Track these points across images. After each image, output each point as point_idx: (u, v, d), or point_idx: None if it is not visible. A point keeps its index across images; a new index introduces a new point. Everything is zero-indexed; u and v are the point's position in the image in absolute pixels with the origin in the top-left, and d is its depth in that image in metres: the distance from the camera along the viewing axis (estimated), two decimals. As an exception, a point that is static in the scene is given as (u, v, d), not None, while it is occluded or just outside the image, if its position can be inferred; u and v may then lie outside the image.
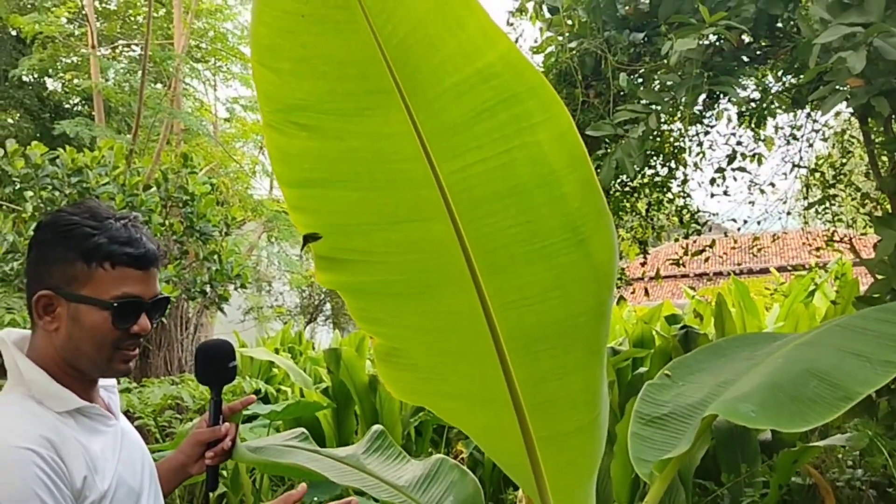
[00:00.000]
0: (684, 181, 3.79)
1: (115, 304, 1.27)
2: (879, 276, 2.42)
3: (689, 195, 3.82)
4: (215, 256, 6.06)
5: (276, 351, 6.57)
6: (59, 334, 1.30)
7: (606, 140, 2.91)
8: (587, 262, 1.32)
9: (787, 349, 1.79)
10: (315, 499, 3.53)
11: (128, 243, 1.29)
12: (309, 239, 1.31)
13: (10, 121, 11.08)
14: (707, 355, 2.00)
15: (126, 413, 4.97)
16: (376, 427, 2.01)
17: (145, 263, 1.30)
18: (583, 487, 1.64)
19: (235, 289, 6.58)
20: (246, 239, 9.98)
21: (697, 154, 3.74)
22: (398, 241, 1.33)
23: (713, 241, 3.71)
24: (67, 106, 11.26)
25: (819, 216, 3.54)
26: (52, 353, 1.31)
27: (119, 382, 1.54)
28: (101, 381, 1.47)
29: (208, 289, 6.14)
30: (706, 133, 3.45)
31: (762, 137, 3.61)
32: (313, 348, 7.52)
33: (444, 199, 1.24)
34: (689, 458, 2.99)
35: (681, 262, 3.58)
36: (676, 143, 3.65)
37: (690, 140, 3.52)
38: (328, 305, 14.78)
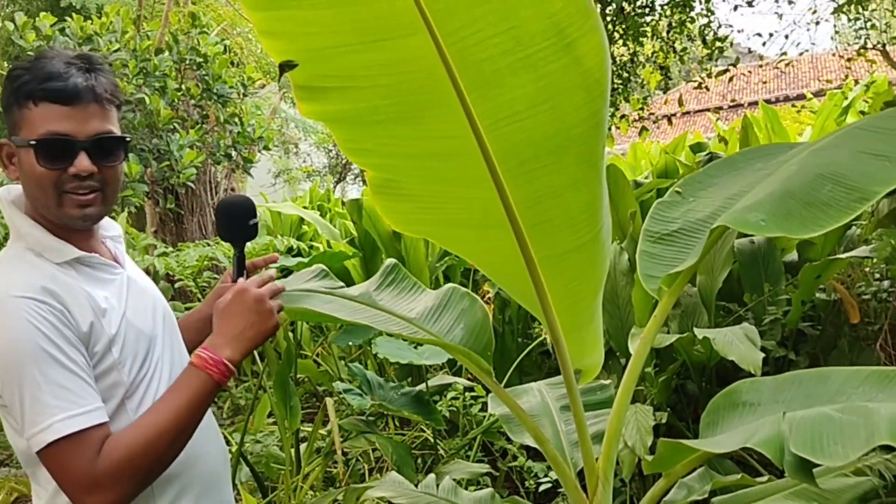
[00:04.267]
0: (707, -1, 3.56)
1: (34, 142, 1.23)
2: (910, 79, 2.29)
3: (712, 12, 3.60)
4: (236, 119, 6.04)
5: (305, 209, 6.63)
6: (21, 183, 1.30)
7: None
8: (576, 69, 1.24)
9: (802, 156, 1.71)
10: (350, 343, 3.66)
11: (49, 78, 1.22)
12: (285, 67, 1.25)
13: (16, -6, 10.81)
14: (720, 170, 1.94)
15: (167, 276, 5.15)
16: (389, 261, 2.02)
17: (68, 98, 1.23)
18: (588, 305, 1.65)
19: (259, 151, 6.59)
20: (266, 101, 9.86)
21: (721, -34, 3.49)
22: (378, 62, 1.26)
23: (737, 58, 3.52)
24: (72, -26, 10.91)
25: (850, 23, 3.31)
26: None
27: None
28: (105, 232, 1.48)
29: (233, 152, 6.15)
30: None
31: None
32: (342, 205, 7.57)
33: (420, 8, 1.16)
34: (711, 281, 3.00)
35: (704, 84, 3.42)
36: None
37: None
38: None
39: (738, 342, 2.24)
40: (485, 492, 2.16)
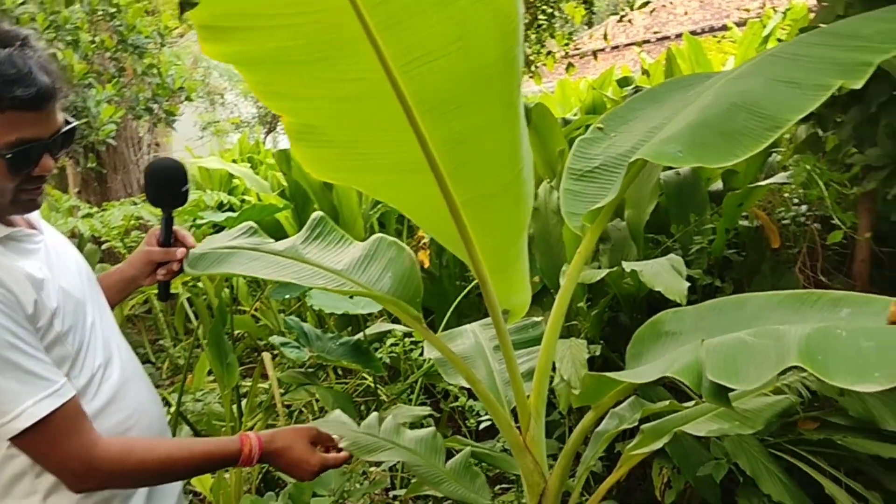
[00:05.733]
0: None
1: (9, 155, 1.17)
2: (824, 4, 2.31)
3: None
4: (154, 70, 5.81)
5: (234, 162, 6.47)
6: None
7: None
8: (486, 6, 1.21)
9: (718, 85, 1.73)
10: (287, 296, 3.62)
11: (16, 82, 1.14)
12: (186, 5, 1.20)
13: None
14: (641, 103, 1.94)
15: (93, 238, 4.98)
16: (315, 214, 1.98)
17: (39, 103, 1.17)
18: (513, 246, 1.65)
19: (182, 102, 6.36)
20: (186, 51, 9.47)
21: None
22: (283, 0, 1.22)
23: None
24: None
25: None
26: None
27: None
28: None
29: (153, 106, 5.93)
30: None
31: None
32: (273, 156, 7.40)
33: (318, -57, 1.12)
34: (639, 214, 3.05)
35: (626, 17, 3.42)
36: None
37: None
38: (287, 113, 14.37)
39: (664, 273, 2.28)
40: (426, 430, 2.18)
